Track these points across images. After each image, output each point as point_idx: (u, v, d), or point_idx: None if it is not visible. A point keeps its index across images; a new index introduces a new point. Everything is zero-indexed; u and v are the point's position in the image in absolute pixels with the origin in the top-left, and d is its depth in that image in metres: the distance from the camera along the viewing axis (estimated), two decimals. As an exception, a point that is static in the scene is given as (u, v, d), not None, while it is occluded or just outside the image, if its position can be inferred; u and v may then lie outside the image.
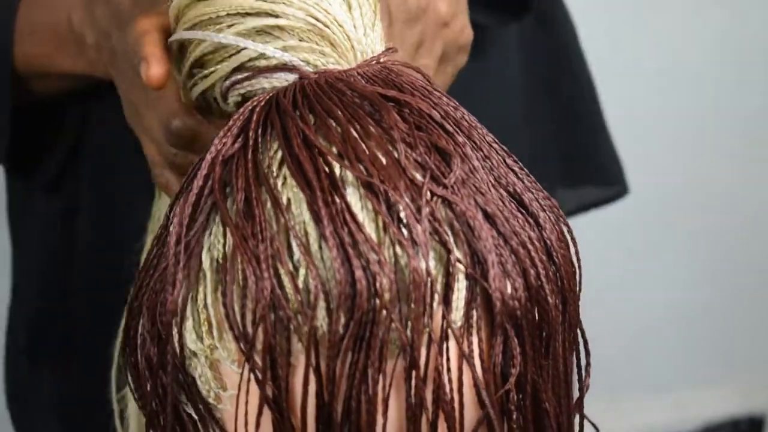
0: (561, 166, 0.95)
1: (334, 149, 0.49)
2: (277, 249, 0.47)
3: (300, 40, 0.54)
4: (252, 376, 0.47)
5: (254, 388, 0.48)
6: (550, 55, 0.94)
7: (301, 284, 0.47)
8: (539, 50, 0.93)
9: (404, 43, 0.66)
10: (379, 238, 0.47)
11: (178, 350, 0.49)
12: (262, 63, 0.54)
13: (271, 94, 0.53)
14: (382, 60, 0.55)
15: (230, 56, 0.55)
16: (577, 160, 0.96)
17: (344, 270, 0.46)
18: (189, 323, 0.49)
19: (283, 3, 0.54)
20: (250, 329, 0.47)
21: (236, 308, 0.47)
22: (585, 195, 0.97)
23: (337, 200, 0.47)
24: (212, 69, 0.56)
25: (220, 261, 0.49)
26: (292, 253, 0.47)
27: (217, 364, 0.49)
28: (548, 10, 0.92)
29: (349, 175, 0.48)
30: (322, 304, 0.46)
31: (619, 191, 0.99)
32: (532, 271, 0.49)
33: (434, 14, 0.67)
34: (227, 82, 0.55)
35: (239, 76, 0.55)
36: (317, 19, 0.54)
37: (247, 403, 0.48)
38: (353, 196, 0.48)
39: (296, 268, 0.47)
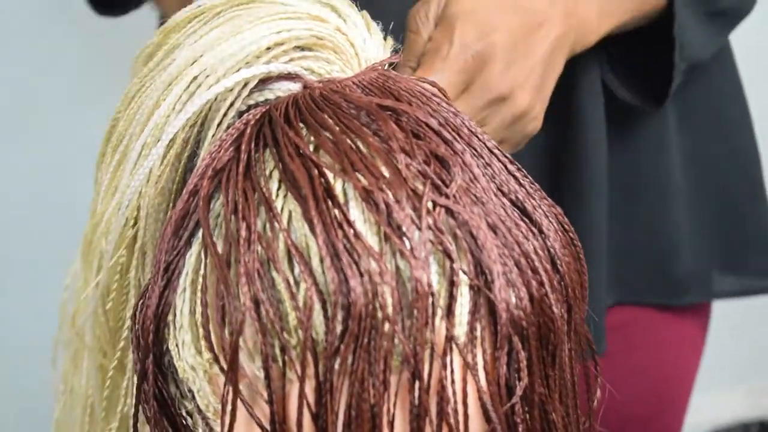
0: (719, 251, 0.95)
1: (329, 160, 0.48)
2: (271, 256, 0.46)
3: (303, 50, 0.53)
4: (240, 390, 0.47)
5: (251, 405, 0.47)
6: (707, 124, 0.93)
7: (297, 294, 0.46)
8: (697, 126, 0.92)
9: (472, 114, 0.65)
10: (380, 249, 0.46)
11: (161, 362, 0.49)
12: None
13: (265, 109, 0.52)
14: (380, 68, 0.54)
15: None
16: (744, 251, 0.96)
17: (339, 279, 0.45)
18: (188, 337, 0.48)
19: (287, 18, 0.54)
20: (229, 342, 0.46)
21: (217, 322, 0.47)
22: (746, 282, 0.97)
23: (333, 210, 0.47)
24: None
25: (208, 274, 0.48)
26: (290, 263, 0.46)
27: (216, 379, 0.48)
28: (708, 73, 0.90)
29: (350, 187, 0.47)
30: (318, 313, 0.45)
31: None
32: (535, 281, 0.48)
33: (512, 106, 0.66)
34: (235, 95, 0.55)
35: (245, 92, 0.54)
36: (320, 29, 0.54)
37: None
38: (354, 208, 0.47)
39: (295, 278, 0.46)
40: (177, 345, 0.49)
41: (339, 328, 0.45)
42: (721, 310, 1.87)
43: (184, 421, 0.50)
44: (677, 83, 0.82)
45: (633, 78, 0.84)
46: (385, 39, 0.58)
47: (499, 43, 0.65)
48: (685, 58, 0.80)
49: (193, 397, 0.49)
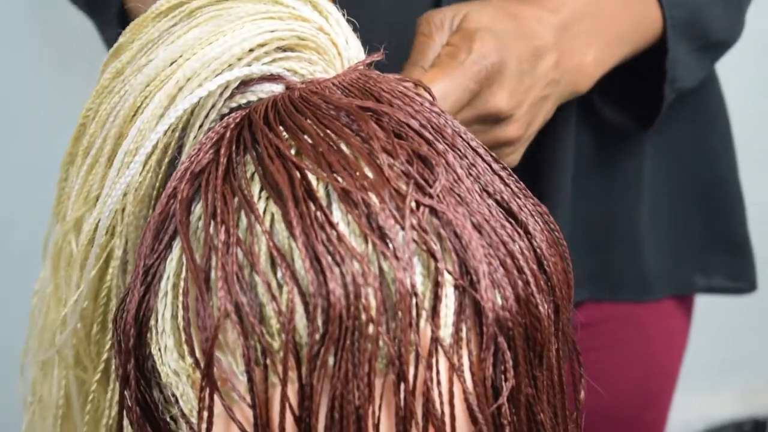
0: (690, 250, 0.96)
1: (310, 162, 0.48)
2: (251, 260, 0.46)
3: (285, 51, 0.53)
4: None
5: (236, 408, 0.46)
6: (693, 136, 0.94)
7: (279, 297, 0.45)
8: (680, 131, 0.93)
9: (461, 119, 0.66)
10: (364, 250, 0.46)
11: (143, 366, 0.49)
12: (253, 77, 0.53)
13: (245, 112, 0.51)
14: (362, 68, 0.54)
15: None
16: (713, 251, 0.97)
17: (318, 281, 0.45)
18: (170, 342, 0.48)
19: (269, 17, 0.53)
20: (205, 347, 0.46)
21: (198, 326, 0.46)
22: (714, 281, 0.98)
23: (315, 211, 0.46)
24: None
25: (189, 278, 0.48)
26: (273, 266, 0.46)
27: (200, 383, 0.48)
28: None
29: (332, 189, 0.47)
30: (301, 317, 0.45)
31: (746, 287, 0.99)
32: (521, 281, 0.48)
33: (503, 130, 0.67)
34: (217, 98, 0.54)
35: (227, 93, 0.53)
36: (302, 29, 0.53)
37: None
38: (337, 210, 0.47)
39: (277, 282, 0.46)
40: (159, 349, 0.48)
41: (319, 331, 0.45)
42: (713, 308, 1.88)
43: (168, 427, 0.49)
44: (666, 107, 0.82)
45: (618, 99, 0.84)
46: (370, 44, 0.57)
47: (511, 64, 0.66)
48: (674, 89, 0.81)
49: (177, 402, 0.48)
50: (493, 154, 0.53)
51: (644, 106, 0.84)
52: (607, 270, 0.92)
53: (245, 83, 0.53)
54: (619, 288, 0.93)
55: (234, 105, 0.53)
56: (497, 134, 0.67)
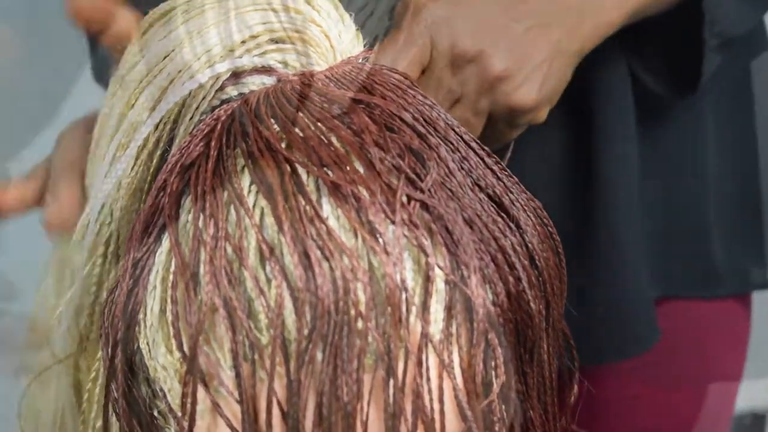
0: (750, 243, 0.93)
1: (300, 155, 0.47)
2: (240, 254, 0.45)
3: (277, 42, 0.53)
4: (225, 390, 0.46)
5: (223, 403, 0.46)
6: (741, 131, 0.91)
7: (268, 292, 0.45)
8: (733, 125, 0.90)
9: (440, 88, 0.64)
10: (354, 245, 0.45)
11: (130, 361, 0.48)
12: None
13: (236, 104, 0.51)
14: (355, 61, 0.53)
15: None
16: (751, 245, 0.94)
17: (306, 276, 0.44)
18: (159, 336, 0.48)
19: (261, 9, 0.53)
20: (190, 341, 0.45)
21: (186, 321, 0.46)
22: (752, 277, 0.94)
23: (304, 206, 0.46)
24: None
25: (176, 272, 0.47)
26: (262, 260, 0.46)
27: None
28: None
29: (322, 183, 0.47)
30: (290, 312, 0.45)
31: None
32: (513, 277, 0.48)
33: (483, 68, 0.64)
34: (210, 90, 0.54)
35: (218, 85, 0.53)
36: (294, 21, 0.53)
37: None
38: (327, 204, 0.46)
39: (266, 276, 0.45)
40: (148, 344, 0.48)
41: (308, 327, 0.44)
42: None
43: (156, 422, 0.49)
44: (713, 65, 0.77)
45: (666, 69, 0.81)
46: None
47: (463, 8, 0.64)
48: (715, 34, 0.76)
49: (165, 397, 0.48)
50: (488, 148, 0.53)
51: (693, 71, 0.79)
52: (672, 263, 0.87)
53: (236, 75, 0.52)
54: (687, 283, 0.88)
55: (225, 97, 0.53)
56: (480, 74, 0.64)
